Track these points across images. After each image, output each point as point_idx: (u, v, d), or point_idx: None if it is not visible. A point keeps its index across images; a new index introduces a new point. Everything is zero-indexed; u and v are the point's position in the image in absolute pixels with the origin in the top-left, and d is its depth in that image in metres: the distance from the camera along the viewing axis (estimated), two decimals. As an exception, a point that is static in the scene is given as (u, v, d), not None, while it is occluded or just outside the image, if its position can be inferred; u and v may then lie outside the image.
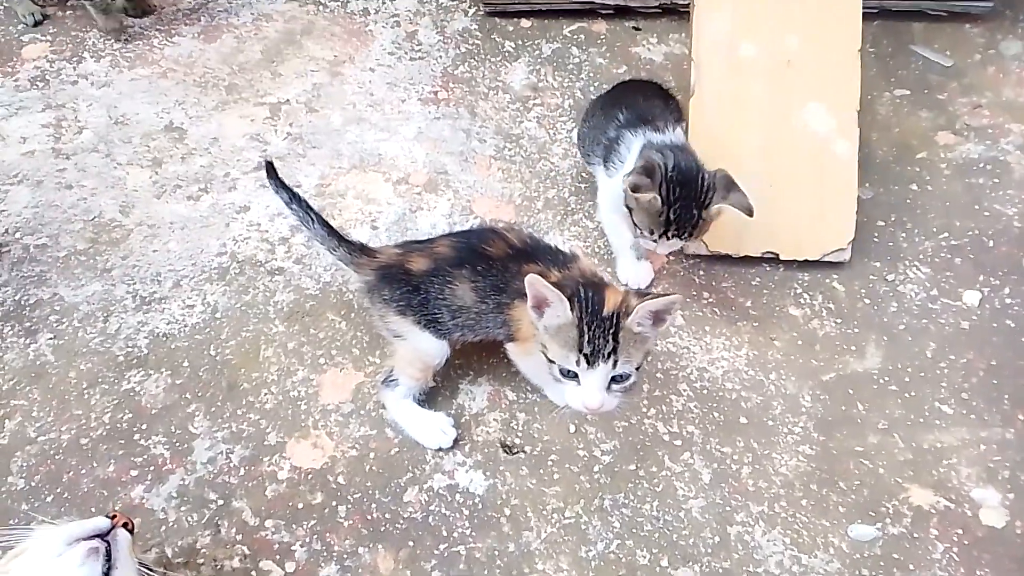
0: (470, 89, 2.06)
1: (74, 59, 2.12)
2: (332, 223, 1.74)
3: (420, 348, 1.41)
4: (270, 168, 1.49)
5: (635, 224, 1.50)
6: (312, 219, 1.45)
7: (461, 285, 1.36)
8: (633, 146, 1.54)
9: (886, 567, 1.30)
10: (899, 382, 1.53)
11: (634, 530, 1.35)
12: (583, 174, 1.87)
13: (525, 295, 1.22)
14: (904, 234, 1.75)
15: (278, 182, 1.48)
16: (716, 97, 1.69)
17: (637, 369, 1.21)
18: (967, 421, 1.47)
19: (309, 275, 1.70)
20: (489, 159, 1.92)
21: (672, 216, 1.43)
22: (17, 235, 1.76)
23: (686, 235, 1.46)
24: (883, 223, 1.77)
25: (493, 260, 1.35)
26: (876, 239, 1.74)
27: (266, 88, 2.07)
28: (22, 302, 1.65)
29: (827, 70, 1.70)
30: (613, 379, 1.19)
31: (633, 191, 1.42)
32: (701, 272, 1.69)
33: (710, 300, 1.65)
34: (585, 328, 1.18)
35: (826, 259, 1.65)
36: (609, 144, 1.60)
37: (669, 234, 1.45)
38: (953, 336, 1.59)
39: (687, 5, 2.12)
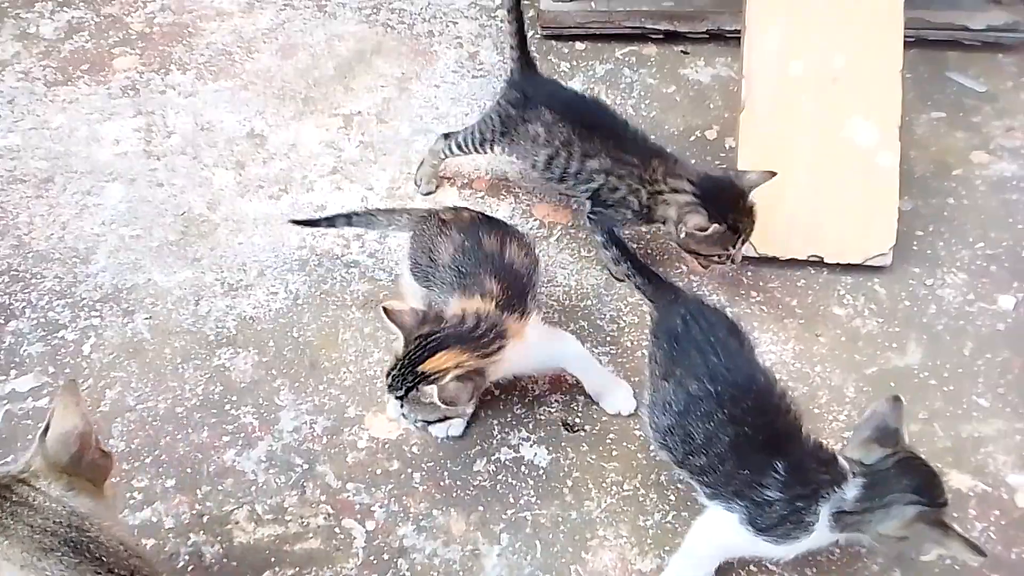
0: (529, 104, 2.21)
1: (161, 71, 2.30)
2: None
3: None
4: (310, 223, 1.80)
5: None
6: (374, 216, 1.72)
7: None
8: (823, 513, 1.18)
9: (928, 543, 1.39)
10: (939, 377, 1.62)
11: (689, 503, 1.45)
12: (636, 182, 2.00)
13: None
14: (942, 243, 1.85)
15: (328, 221, 1.78)
16: (766, 110, 1.81)
17: None
18: (1003, 414, 1.56)
19: (382, 268, 1.83)
20: (548, 167, 2.05)
21: None
22: (113, 226, 1.92)
23: None
24: (922, 233, 1.87)
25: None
26: (916, 247, 1.84)
27: (339, 101, 2.23)
28: (119, 285, 1.79)
29: (871, 88, 1.82)
30: None
31: None
32: (749, 273, 1.80)
33: (758, 299, 1.75)
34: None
35: (868, 263, 1.76)
36: (767, 505, 1.21)
37: None
38: (989, 336, 1.68)
39: (733, 32, 2.26)
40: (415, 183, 1.99)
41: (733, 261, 1.65)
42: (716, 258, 1.64)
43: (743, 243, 1.63)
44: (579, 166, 1.72)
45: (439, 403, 1.29)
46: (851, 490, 1.17)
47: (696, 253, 1.66)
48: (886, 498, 1.14)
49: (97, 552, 0.96)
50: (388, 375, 1.35)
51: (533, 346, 1.43)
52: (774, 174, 1.60)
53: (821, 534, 1.20)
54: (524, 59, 1.83)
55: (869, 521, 1.15)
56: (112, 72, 2.29)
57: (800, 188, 1.77)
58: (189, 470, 1.50)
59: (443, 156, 1.95)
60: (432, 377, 1.30)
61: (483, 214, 1.63)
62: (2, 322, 1.72)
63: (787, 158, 1.79)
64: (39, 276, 1.80)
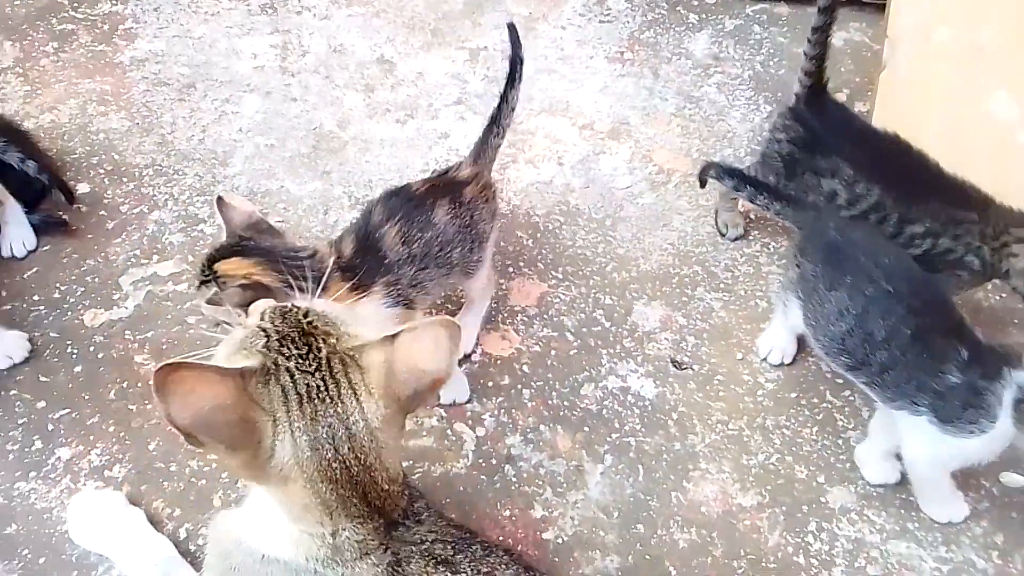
0: (654, 53, 2.21)
1: (298, -8, 2.37)
2: (522, 156, 1.94)
3: None
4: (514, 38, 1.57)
5: None
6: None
7: None
8: (1005, 398, 1.21)
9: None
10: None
11: (793, 448, 1.47)
12: (758, 137, 1.99)
13: None
14: (1076, 227, 1.79)
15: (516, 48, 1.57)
16: (907, 74, 1.78)
17: None
18: None
19: (501, 197, 1.87)
20: (669, 116, 2.06)
21: None
22: (249, 134, 2.01)
23: None
24: (1055, 215, 1.81)
25: None
26: (1047, 228, 1.79)
27: (466, 35, 2.28)
28: (254, 189, 1.89)
29: (1017, 62, 1.76)
30: None
31: None
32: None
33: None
34: None
35: (999, 239, 1.71)
36: (950, 391, 1.25)
37: None
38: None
39: (871, -3, 2.22)
40: (719, 232, 1.77)
41: None
42: None
43: None
44: (895, 230, 1.48)
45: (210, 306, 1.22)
46: None
47: None
48: None
49: (359, 478, 0.89)
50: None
51: None
52: None
53: (1005, 426, 1.21)
54: (816, 84, 1.60)
55: None
56: (252, -10, 2.38)
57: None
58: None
59: (732, 197, 1.71)
60: (221, 279, 1.22)
61: (432, 197, 1.44)
62: (146, 211, 1.83)
63: (922, 124, 1.75)
64: (181, 173, 1.91)
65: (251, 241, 1.27)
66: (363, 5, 2.34)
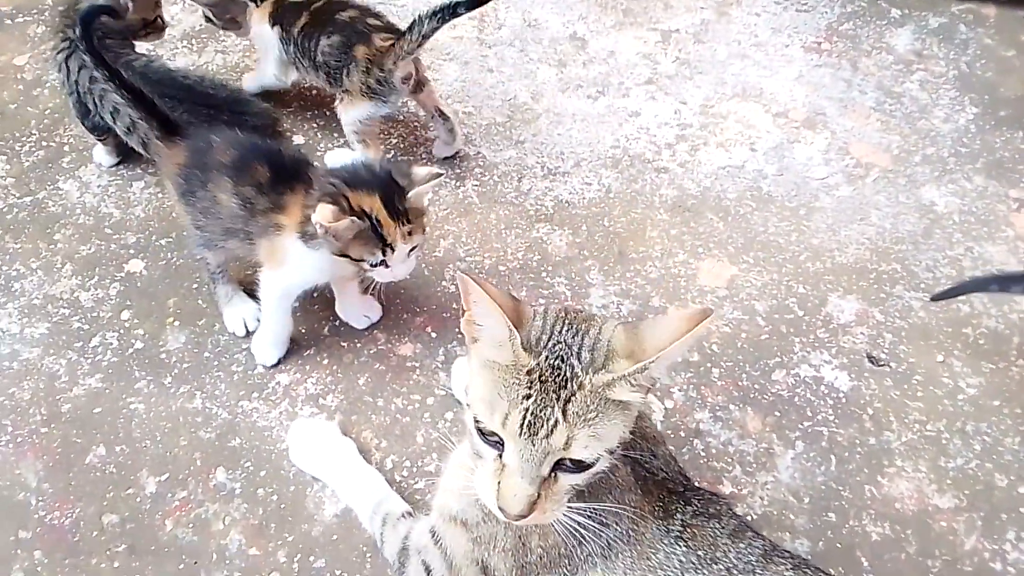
0: (853, 45, 2.16)
1: (495, -31, 2.44)
2: (713, 139, 1.94)
3: None
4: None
5: None
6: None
7: None
8: None
9: None
10: None
11: (994, 456, 1.43)
12: (964, 138, 1.92)
13: None
14: None
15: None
16: None
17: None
18: None
19: (691, 178, 1.90)
20: (868, 109, 2.01)
21: None
22: (448, 100, 2.09)
23: None
24: None
25: None
26: None
27: (658, 17, 2.29)
28: (456, 154, 1.98)
29: None
30: None
31: None
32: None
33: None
34: None
35: None
36: None
37: None
38: None
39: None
40: None
41: None
42: None
43: None
44: None
45: None
46: None
47: None
48: None
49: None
50: None
51: None
52: None
53: None
54: None
55: None
56: (447, -36, 2.46)
57: None
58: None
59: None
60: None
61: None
62: (354, 166, 1.95)
63: None
64: (386, 133, 2.02)
65: None
66: (557, -18, 2.39)
